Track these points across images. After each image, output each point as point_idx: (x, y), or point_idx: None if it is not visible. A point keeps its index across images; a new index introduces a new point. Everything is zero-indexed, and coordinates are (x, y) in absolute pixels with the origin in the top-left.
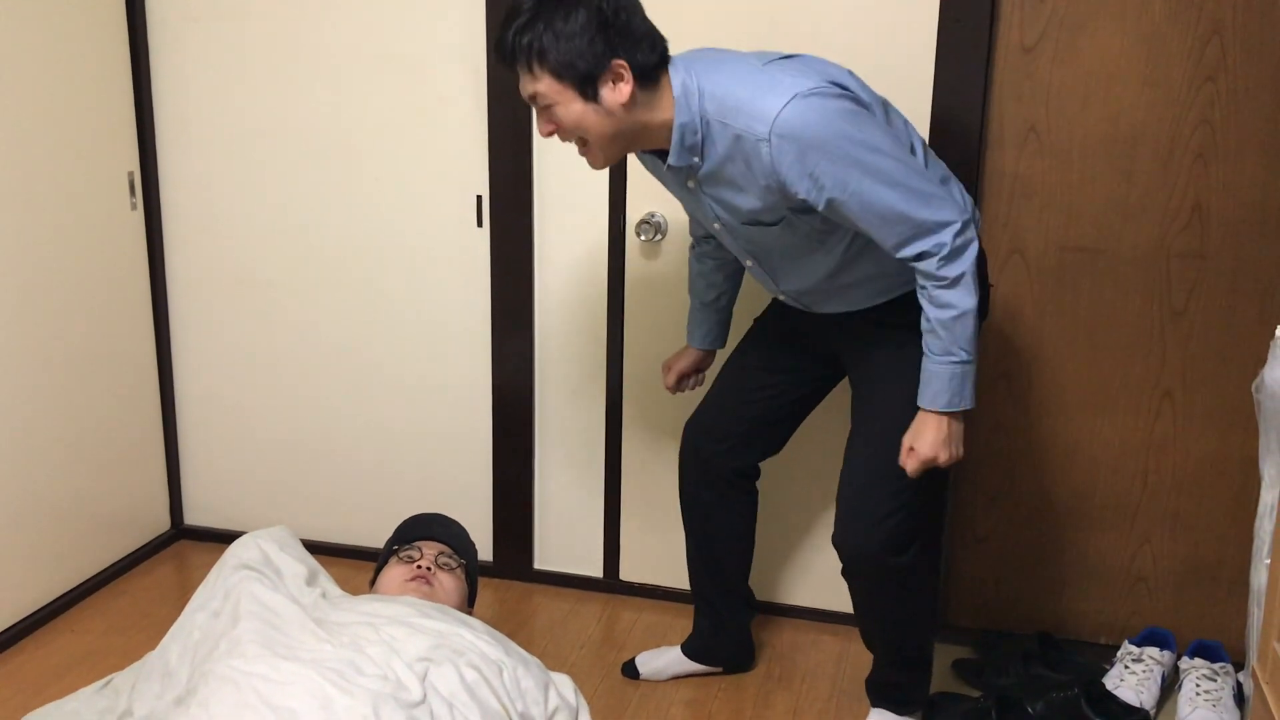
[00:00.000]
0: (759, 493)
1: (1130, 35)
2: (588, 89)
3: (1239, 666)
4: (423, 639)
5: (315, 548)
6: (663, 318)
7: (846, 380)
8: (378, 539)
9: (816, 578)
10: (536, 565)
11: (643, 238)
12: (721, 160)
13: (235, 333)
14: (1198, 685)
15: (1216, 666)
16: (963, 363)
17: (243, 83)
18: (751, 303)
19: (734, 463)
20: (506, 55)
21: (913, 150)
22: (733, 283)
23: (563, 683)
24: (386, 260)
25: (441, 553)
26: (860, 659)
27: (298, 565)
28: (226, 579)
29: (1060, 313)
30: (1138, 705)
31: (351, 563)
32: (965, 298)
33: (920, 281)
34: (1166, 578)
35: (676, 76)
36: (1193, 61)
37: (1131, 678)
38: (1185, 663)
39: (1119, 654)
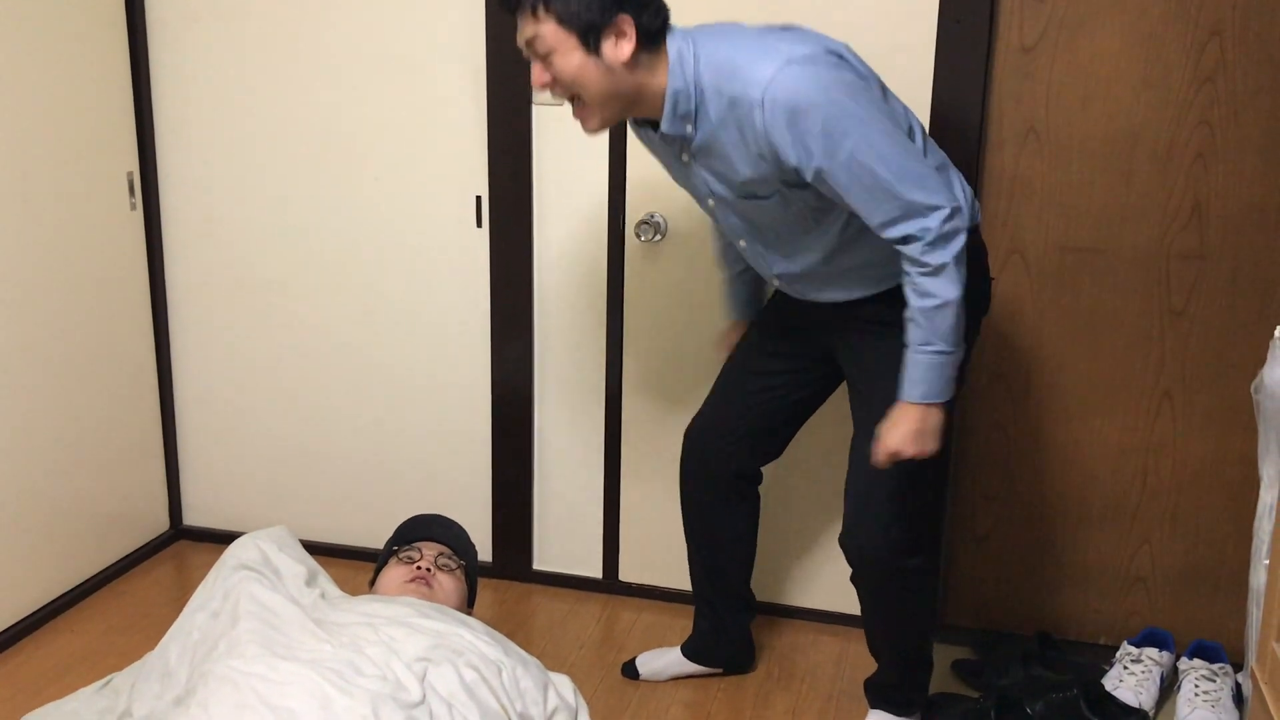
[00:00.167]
0: (760, 496)
1: (1130, 36)
2: (590, 39)
3: (1238, 667)
4: (422, 639)
5: (314, 548)
6: (662, 319)
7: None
8: (377, 539)
9: (816, 579)
10: (536, 566)
11: (642, 239)
12: (715, 129)
13: (234, 333)
14: (1197, 686)
15: (1215, 667)
16: (941, 353)
17: (242, 83)
18: None
19: (735, 466)
20: None
21: (911, 134)
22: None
23: (562, 683)
24: (386, 261)
25: (441, 554)
26: (860, 660)
27: (297, 566)
28: (226, 579)
29: (1059, 313)
30: (1137, 706)
31: (351, 563)
32: (947, 287)
33: (905, 267)
34: (1166, 578)
35: (674, 44)
36: (1192, 62)
37: (1130, 678)
38: (1184, 663)
39: (1118, 654)
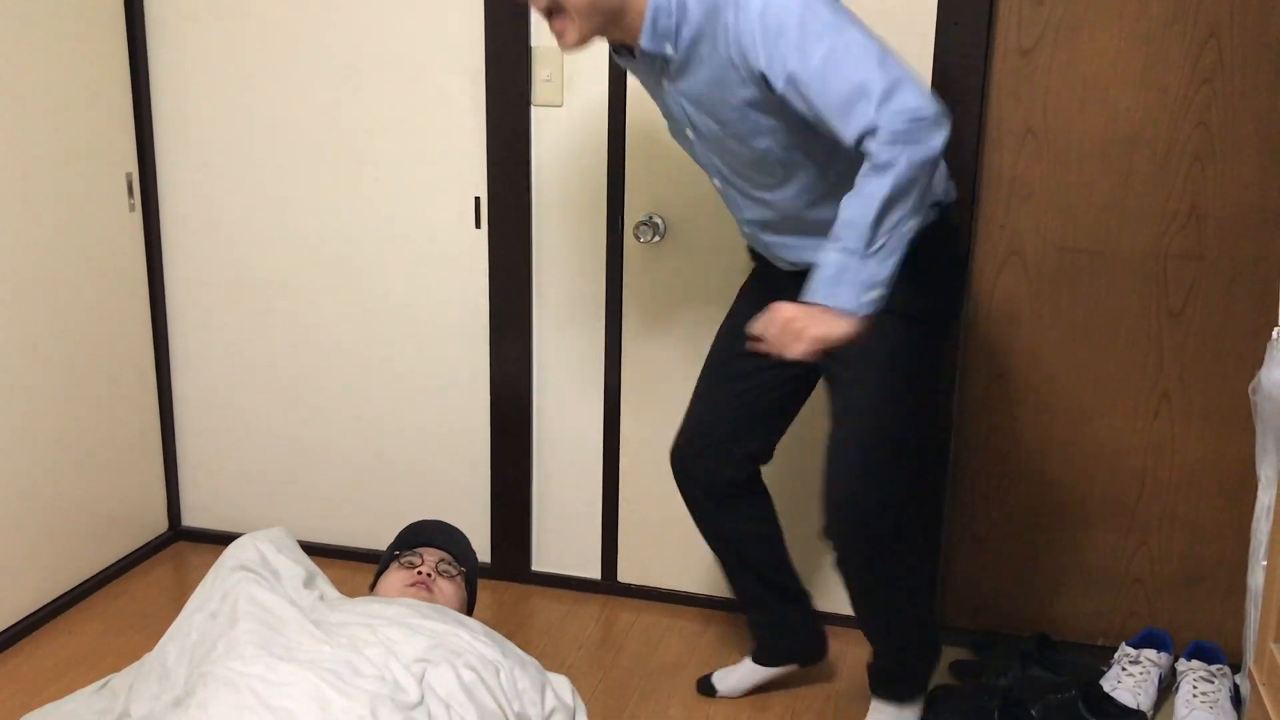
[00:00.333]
0: (766, 488)
1: (1128, 38)
2: None
3: (1236, 668)
4: (420, 640)
5: (313, 549)
6: (661, 320)
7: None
8: (375, 540)
9: (815, 580)
10: (534, 567)
11: (641, 240)
12: (692, 42)
13: (233, 334)
14: (1195, 687)
15: (1214, 668)
16: (845, 251)
17: (241, 83)
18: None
19: (727, 474)
20: None
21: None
22: None
23: (560, 684)
24: (385, 261)
25: (442, 560)
26: (859, 660)
27: (295, 567)
28: (224, 580)
29: (1058, 314)
30: (1135, 707)
31: (349, 564)
32: (880, 183)
33: (860, 173)
34: (1164, 579)
35: None
36: (1190, 64)
37: (1129, 679)
38: (1183, 664)
39: (1116, 655)
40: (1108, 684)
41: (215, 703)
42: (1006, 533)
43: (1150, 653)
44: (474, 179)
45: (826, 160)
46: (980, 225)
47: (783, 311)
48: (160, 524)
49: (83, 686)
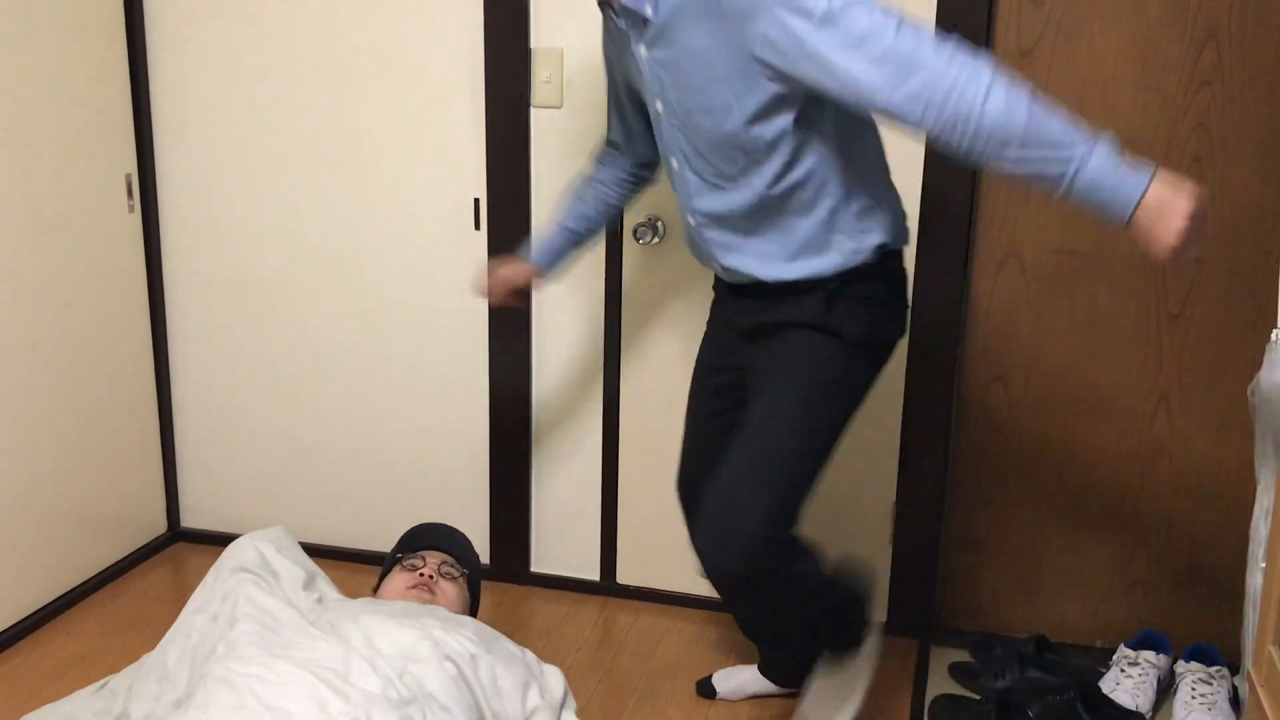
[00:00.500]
0: None
1: (1126, 39)
2: None
3: (1234, 670)
4: (406, 636)
5: (312, 550)
6: (661, 321)
7: None
8: (375, 541)
9: None
10: (533, 568)
11: (641, 241)
12: (677, 7)
13: (233, 335)
14: (1193, 689)
15: (1212, 670)
16: (1085, 154)
17: (241, 84)
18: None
19: None
20: None
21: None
22: (603, 220)
23: (552, 675)
24: (384, 262)
25: (444, 562)
26: None
27: (295, 568)
28: (224, 581)
29: (1057, 316)
30: (1134, 709)
31: (349, 565)
32: (1012, 104)
33: (945, 135)
34: (1162, 581)
35: None
36: (1189, 66)
37: (1127, 681)
38: (1181, 666)
39: (1115, 657)
40: (1106, 685)
41: (216, 704)
42: (1005, 534)
43: (1149, 654)
44: (473, 180)
45: (793, 157)
46: (979, 227)
47: (1161, 226)
48: (159, 525)
49: (82, 687)
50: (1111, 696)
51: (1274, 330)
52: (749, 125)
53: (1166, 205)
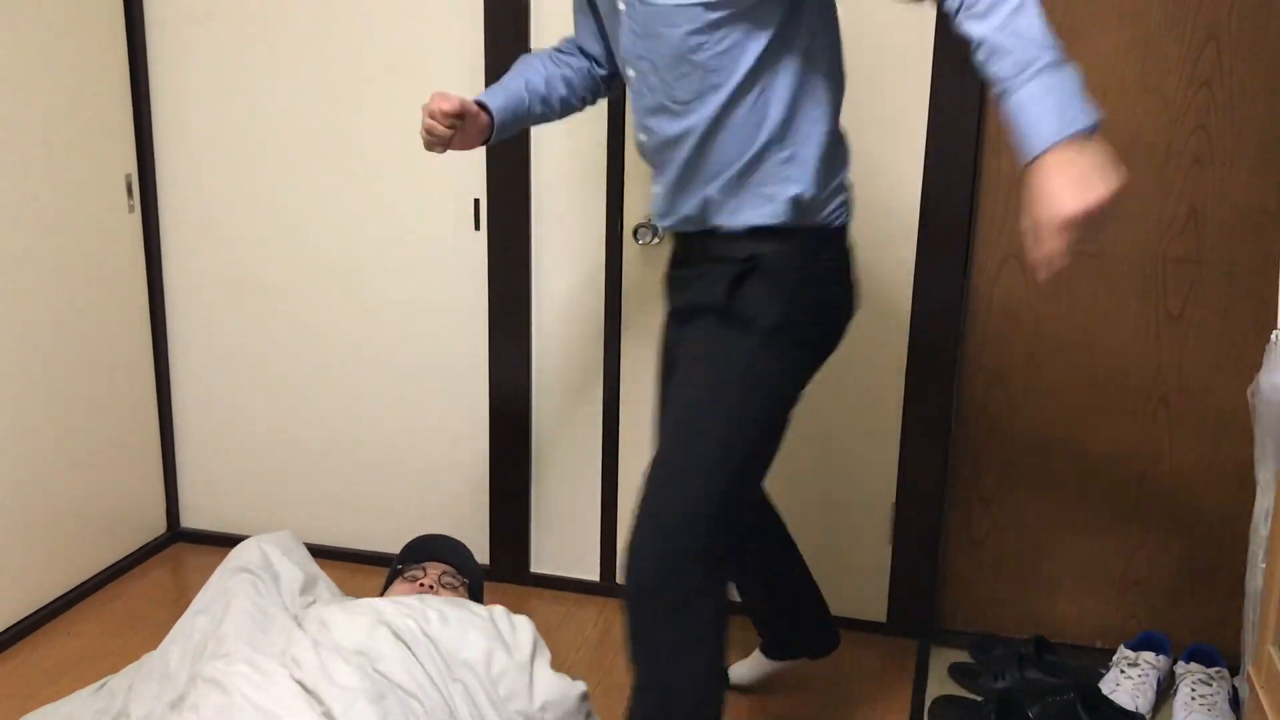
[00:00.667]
0: (774, 508)
1: (1127, 40)
2: None
3: (1234, 671)
4: (360, 623)
5: (313, 550)
6: (660, 322)
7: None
8: (374, 541)
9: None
10: (533, 568)
11: (640, 242)
12: None
13: (232, 335)
14: (1193, 690)
15: (1212, 671)
16: (1054, 64)
17: (241, 85)
18: None
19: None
20: None
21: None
22: (564, 93)
23: (522, 628)
24: (384, 263)
25: (445, 572)
26: (859, 663)
27: (296, 571)
28: (225, 582)
29: (1056, 317)
30: (1133, 709)
31: (349, 565)
32: None
33: (952, 13)
34: (1162, 582)
35: None
36: (1188, 67)
37: (1127, 682)
38: (1181, 667)
39: (1115, 658)
40: (1106, 686)
41: (206, 705)
42: (1005, 535)
43: (1149, 655)
44: (473, 180)
45: (746, 84)
46: (979, 227)
47: (1056, 180)
48: (159, 525)
49: (81, 688)
50: (1111, 697)
51: (1274, 331)
52: (703, 32)
53: (1085, 171)
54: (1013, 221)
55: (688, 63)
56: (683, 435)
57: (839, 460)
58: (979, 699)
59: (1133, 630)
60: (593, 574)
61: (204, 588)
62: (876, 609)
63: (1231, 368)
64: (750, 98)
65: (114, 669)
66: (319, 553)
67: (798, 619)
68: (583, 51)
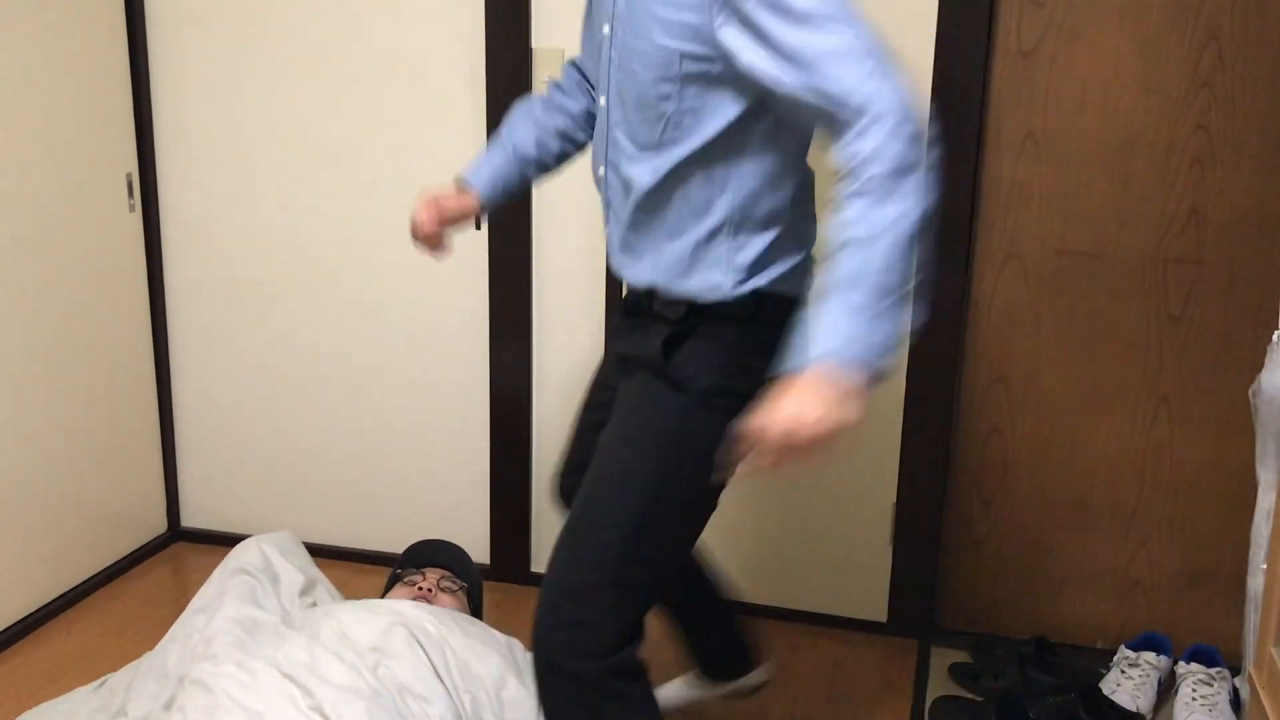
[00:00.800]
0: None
1: (1128, 41)
2: None
3: (1235, 671)
4: (378, 623)
5: (313, 550)
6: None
7: None
8: (375, 542)
9: (810, 580)
10: (533, 568)
11: None
12: None
13: (233, 335)
14: (1194, 690)
15: (1213, 671)
16: (882, 297)
17: (242, 85)
18: None
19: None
20: None
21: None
22: (558, 152)
23: (515, 647)
24: (384, 263)
25: (444, 576)
26: (858, 663)
27: (295, 573)
28: (224, 582)
29: (1057, 317)
30: (1134, 710)
31: (349, 565)
32: (906, 201)
33: (846, 188)
34: (1163, 582)
35: None
36: (1190, 67)
37: (1128, 682)
38: (1182, 667)
39: (1115, 658)
40: (1107, 687)
41: (193, 707)
42: (1005, 536)
43: (1149, 655)
44: None
45: (708, 146)
46: (979, 227)
47: (793, 398)
48: (159, 524)
49: (80, 687)
50: (1112, 698)
51: (1275, 332)
52: (674, 81)
53: (825, 397)
54: (1013, 224)
55: (653, 109)
56: (599, 496)
57: (839, 460)
58: (979, 699)
59: (1133, 630)
60: None
61: (203, 587)
62: (877, 609)
63: (1232, 367)
64: (709, 169)
65: (114, 668)
66: (319, 552)
67: (719, 638)
68: (584, 76)
